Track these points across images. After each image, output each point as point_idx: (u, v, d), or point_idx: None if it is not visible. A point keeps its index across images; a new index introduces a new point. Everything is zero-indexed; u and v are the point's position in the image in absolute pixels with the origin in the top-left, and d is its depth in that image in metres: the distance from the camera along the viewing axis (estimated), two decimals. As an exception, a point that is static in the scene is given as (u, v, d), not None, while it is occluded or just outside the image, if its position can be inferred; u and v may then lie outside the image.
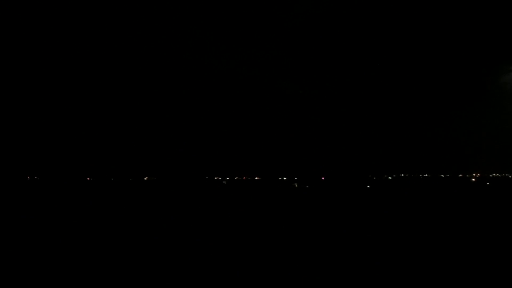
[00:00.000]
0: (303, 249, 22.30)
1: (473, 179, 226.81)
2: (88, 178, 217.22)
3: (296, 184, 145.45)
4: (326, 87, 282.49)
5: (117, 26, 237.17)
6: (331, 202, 59.32)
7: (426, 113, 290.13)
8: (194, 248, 23.80)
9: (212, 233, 29.55)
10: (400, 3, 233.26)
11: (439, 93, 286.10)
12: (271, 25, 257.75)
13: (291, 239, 25.72)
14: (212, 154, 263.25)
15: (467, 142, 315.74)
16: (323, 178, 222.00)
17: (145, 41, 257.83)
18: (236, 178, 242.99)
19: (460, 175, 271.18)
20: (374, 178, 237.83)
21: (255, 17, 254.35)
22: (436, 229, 30.91)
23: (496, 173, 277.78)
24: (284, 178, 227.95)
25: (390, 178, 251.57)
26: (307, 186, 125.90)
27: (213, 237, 27.63)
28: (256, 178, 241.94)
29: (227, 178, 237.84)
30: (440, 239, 25.98)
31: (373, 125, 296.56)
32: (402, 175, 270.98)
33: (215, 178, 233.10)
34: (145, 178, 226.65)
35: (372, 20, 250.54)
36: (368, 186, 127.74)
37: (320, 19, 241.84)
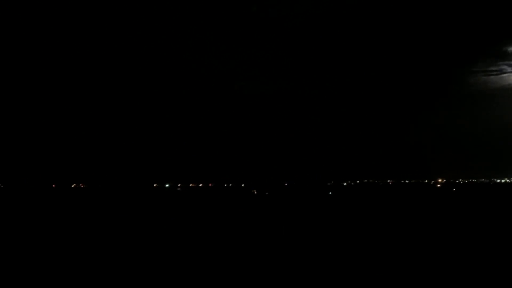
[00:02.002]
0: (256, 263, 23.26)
1: (438, 185, 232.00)
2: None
3: (255, 190, 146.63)
4: (289, 88, 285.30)
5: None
6: (291, 210, 60.21)
7: (389, 117, 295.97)
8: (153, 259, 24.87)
9: (170, 242, 30.63)
10: (363, 7, 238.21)
11: (402, 96, 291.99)
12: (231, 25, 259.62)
13: (247, 251, 26.87)
14: (160, 159, 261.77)
15: (431, 146, 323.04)
16: (286, 184, 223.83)
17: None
18: (191, 185, 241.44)
19: (426, 181, 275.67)
20: (337, 184, 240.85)
21: (220, 16, 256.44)
22: (399, 236, 32.45)
23: (462, 179, 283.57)
24: (242, 185, 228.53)
25: (352, 184, 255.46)
26: (267, 193, 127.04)
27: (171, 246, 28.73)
28: (210, 184, 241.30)
29: (179, 185, 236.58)
30: (402, 246, 27.52)
31: (335, 130, 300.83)
32: (366, 181, 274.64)
33: (166, 185, 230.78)
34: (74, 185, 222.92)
35: (336, 24, 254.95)
36: (330, 193, 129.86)
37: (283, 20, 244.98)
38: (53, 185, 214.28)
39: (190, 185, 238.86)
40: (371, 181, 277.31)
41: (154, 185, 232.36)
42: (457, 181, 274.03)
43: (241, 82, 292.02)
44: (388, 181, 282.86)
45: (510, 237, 30.89)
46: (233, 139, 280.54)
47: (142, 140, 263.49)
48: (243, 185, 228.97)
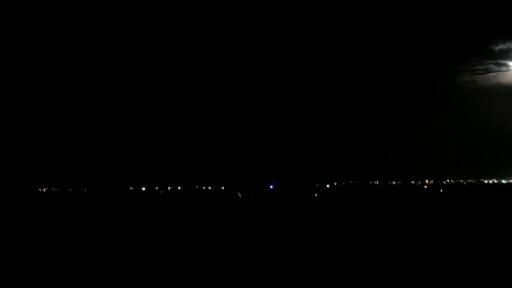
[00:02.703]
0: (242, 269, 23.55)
1: (426, 186, 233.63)
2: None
3: (239, 193, 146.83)
4: (274, 90, 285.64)
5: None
6: (276, 213, 60.51)
7: (375, 117, 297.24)
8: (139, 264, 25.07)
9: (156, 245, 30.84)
10: (348, 3, 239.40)
11: (387, 96, 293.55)
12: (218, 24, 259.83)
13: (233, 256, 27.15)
14: (136, 161, 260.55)
15: (418, 147, 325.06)
16: (271, 186, 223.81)
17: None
18: (169, 188, 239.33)
19: (413, 182, 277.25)
20: (323, 185, 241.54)
21: (207, 16, 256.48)
22: (385, 238, 32.96)
23: (450, 179, 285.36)
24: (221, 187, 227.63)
25: (338, 185, 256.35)
26: (252, 196, 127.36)
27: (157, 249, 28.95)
28: (197, 187, 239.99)
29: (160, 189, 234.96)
30: (389, 249, 27.99)
31: (321, 132, 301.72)
32: (351, 182, 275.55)
33: (142, 188, 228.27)
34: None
35: (319, 22, 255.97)
36: (316, 195, 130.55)
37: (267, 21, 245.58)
38: (21, 189, 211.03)
39: (169, 188, 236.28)
40: (357, 182, 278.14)
41: (130, 188, 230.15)
42: (444, 182, 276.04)
43: (228, 82, 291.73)
44: (375, 182, 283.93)
45: (498, 237, 31.46)
46: (217, 140, 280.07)
47: (118, 141, 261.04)
48: (223, 187, 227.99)
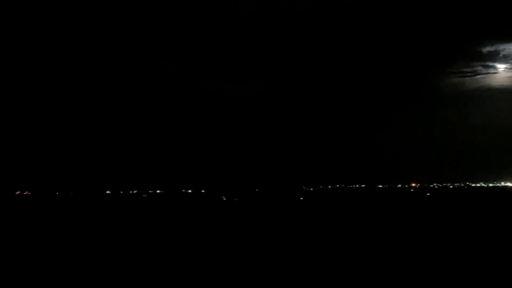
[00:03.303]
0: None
1: (412, 190, 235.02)
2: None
3: (224, 197, 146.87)
4: (261, 91, 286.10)
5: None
6: (260, 218, 60.53)
7: (362, 120, 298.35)
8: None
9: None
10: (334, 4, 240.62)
11: (375, 99, 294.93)
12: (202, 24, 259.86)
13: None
14: (115, 164, 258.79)
15: (405, 150, 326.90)
16: (257, 189, 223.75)
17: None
18: (150, 191, 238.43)
19: (399, 185, 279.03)
20: (309, 189, 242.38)
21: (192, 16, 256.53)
22: (373, 243, 33.21)
23: (436, 183, 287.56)
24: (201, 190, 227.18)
25: (324, 189, 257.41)
26: (236, 199, 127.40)
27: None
28: (184, 190, 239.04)
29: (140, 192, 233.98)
30: (376, 255, 28.26)
31: (307, 134, 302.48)
32: (338, 185, 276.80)
33: (120, 192, 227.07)
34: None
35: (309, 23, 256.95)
36: (301, 198, 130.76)
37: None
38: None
39: (149, 191, 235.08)
40: (343, 186, 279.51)
41: (107, 192, 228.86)
42: (431, 186, 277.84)
43: (213, 82, 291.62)
44: (361, 185, 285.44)
45: (485, 242, 31.80)
46: (199, 141, 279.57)
47: (94, 143, 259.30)
48: (203, 191, 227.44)
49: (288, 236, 38.42)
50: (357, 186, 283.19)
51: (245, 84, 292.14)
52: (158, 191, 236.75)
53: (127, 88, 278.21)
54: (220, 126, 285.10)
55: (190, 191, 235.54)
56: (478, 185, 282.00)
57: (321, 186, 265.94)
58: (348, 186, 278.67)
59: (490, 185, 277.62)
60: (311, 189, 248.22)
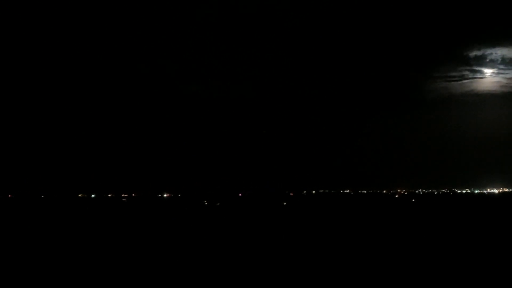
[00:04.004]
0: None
1: (397, 195, 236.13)
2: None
3: (206, 201, 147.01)
4: (244, 94, 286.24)
5: None
6: (241, 223, 60.78)
7: (345, 124, 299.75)
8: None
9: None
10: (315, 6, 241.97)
11: (360, 103, 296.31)
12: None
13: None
14: (89, 167, 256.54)
15: (390, 155, 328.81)
16: (240, 194, 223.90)
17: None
18: (124, 195, 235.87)
19: (384, 191, 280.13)
20: (291, 194, 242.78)
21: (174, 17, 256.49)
22: (357, 250, 33.94)
23: (422, 189, 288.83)
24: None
25: (308, 194, 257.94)
26: (218, 204, 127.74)
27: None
28: (165, 195, 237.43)
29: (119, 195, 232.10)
30: (360, 261, 29.00)
31: (291, 138, 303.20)
32: (322, 191, 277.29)
33: (92, 196, 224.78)
34: None
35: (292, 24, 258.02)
36: (284, 203, 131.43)
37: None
38: None
39: (122, 195, 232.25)
40: (327, 191, 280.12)
41: (79, 195, 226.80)
42: (416, 192, 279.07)
43: (192, 85, 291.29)
44: (346, 191, 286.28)
45: (469, 249, 32.62)
46: (180, 145, 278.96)
47: (71, 146, 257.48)
48: (179, 195, 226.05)
49: (271, 240, 39.05)
50: (341, 191, 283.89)
51: (226, 87, 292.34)
52: (133, 195, 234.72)
53: (104, 90, 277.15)
54: (201, 130, 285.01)
55: (166, 195, 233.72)
56: (464, 191, 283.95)
57: (304, 191, 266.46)
58: (332, 191, 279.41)
59: (476, 191, 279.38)
60: (294, 194, 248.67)
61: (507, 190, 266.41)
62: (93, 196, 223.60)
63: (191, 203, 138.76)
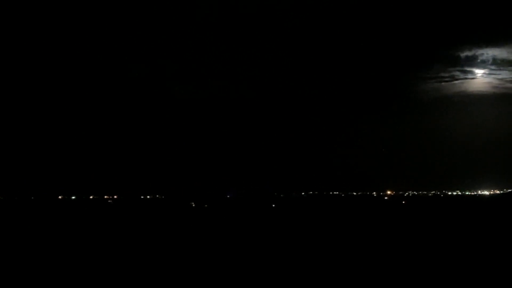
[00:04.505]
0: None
1: (386, 197, 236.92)
2: None
3: (193, 203, 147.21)
4: (228, 92, 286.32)
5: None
6: (229, 225, 61.04)
7: (336, 125, 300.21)
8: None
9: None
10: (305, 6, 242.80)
11: (351, 105, 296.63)
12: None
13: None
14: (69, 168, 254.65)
15: (380, 157, 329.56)
16: (228, 196, 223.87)
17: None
18: (106, 197, 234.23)
19: (374, 193, 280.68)
20: (281, 195, 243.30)
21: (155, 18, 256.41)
22: (345, 252, 34.50)
23: (412, 191, 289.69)
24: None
25: (297, 196, 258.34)
26: (206, 206, 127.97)
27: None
28: (159, 196, 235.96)
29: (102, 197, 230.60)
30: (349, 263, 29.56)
31: (279, 139, 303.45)
32: (311, 192, 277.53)
33: (72, 197, 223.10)
34: None
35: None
36: (273, 205, 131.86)
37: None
38: None
39: (105, 197, 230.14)
40: (316, 193, 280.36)
41: (59, 197, 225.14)
42: (406, 194, 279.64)
43: (177, 85, 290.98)
44: (335, 192, 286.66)
45: (458, 253, 33.16)
46: (166, 146, 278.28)
47: (50, 146, 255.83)
48: (162, 196, 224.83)
49: (262, 243, 39.54)
50: (330, 193, 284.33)
51: (212, 88, 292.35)
52: (115, 197, 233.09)
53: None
54: (187, 131, 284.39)
55: (148, 197, 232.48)
56: (454, 193, 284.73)
57: (294, 193, 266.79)
58: (322, 193, 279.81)
59: (467, 193, 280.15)
60: (284, 195, 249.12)
61: (498, 192, 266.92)
62: (73, 198, 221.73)
63: (178, 205, 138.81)
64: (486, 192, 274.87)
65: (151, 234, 48.36)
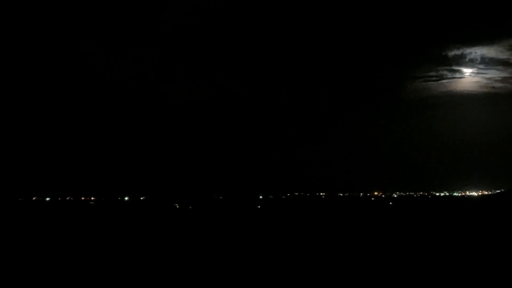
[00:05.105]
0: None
1: (373, 198, 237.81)
2: None
3: (177, 204, 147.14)
4: (214, 93, 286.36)
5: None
6: (214, 227, 61.23)
7: (321, 126, 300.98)
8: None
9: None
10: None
11: (337, 105, 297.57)
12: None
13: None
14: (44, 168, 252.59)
15: (367, 157, 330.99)
16: (214, 197, 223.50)
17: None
18: (83, 198, 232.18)
19: (361, 194, 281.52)
20: (267, 197, 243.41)
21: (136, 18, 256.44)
22: (330, 253, 34.83)
23: (399, 192, 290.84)
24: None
25: (283, 197, 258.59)
26: (190, 207, 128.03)
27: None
28: (124, 198, 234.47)
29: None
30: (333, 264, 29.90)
31: (265, 140, 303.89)
32: (297, 193, 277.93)
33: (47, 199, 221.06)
34: None
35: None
36: (258, 207, 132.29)
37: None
38: None
39: (82, 198, 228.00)
40: (302, 194, 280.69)
41: (33, 198, 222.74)
42: (393, 195, 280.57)
43: (165, 85, 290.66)
44: (321, 194, 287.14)
45: (445, 256, 33.56)
46: (151, 147, 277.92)
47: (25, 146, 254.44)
48: (142, 198, 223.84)
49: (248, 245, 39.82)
50: (317, 194, 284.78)
51: (197, 87, 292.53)
52: (92, 198, 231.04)
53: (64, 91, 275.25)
54: (172, 130, 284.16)
55: (126, 198, 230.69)
56: (442, 194, 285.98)
57: (279, 194, 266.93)
58: (308, 195, 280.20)
59: (455, 194, 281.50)
60: (271, 196, 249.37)
61: (486, 193, 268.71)
62: (47, 199, 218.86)
63: (161, 206, 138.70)
64: (475, 193, 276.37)
65: (130, 236, 48.47)
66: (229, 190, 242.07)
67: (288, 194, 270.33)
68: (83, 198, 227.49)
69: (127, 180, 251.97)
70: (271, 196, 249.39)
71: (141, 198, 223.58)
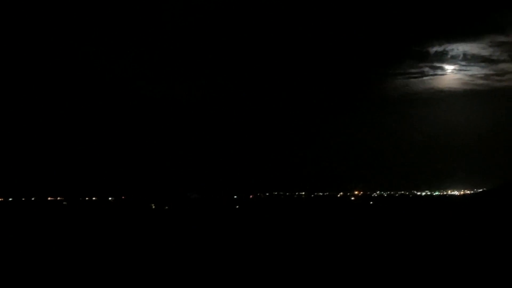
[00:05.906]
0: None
1: (353, 198, 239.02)
2: None
3: (153, 204, 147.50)
4: (196, 93, 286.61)
5: None
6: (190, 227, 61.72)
7: (300, 124, 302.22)
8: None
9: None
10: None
11: (316, 102, 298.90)
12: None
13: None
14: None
15: (347, 156, 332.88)
16: (191, 197, 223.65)
17: None
18: (50, 198, 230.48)
19: (341, 193, 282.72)
20: (245, 197, 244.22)
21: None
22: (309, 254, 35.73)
23: (380, 191, 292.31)
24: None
25: (262, 196, 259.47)
26: (167, 207, 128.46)
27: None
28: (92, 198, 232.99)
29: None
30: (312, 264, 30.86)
31: (244, 139, 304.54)
32: (276, 193, 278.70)
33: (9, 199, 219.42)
34: None
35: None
36: (237, 207, 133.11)
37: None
38: None
39: (48, 198, 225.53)
40: (281, 193, 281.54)
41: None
42: (374, 194, 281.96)
43: (139, 83, 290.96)
44: (300, 193, 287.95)
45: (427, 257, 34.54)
46: (128, 146, 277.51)
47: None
48: (110, 198, 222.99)
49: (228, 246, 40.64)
50: (296, 193, 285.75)
51: (176, 87, 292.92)
52: (58, 198, 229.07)
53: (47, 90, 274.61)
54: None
55: (94, 198, 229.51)
56: (423, 193, 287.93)
57: (258, 194, 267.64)
58: (287, 194, 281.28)
59: (436, 193, 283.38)
60: (251, 196, 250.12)
61: (468, 192, 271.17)
62: (10, 199, 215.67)
63: (137, 206, 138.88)
64: (456, 192, 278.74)
65: (102, 237, 48.80)
66: (208, 189, 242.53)
67: (267, 194, 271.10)
68: (49, 198, 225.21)
69: (110, 180, 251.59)
70: (251, 196, 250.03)
71: (122, 198, 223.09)
